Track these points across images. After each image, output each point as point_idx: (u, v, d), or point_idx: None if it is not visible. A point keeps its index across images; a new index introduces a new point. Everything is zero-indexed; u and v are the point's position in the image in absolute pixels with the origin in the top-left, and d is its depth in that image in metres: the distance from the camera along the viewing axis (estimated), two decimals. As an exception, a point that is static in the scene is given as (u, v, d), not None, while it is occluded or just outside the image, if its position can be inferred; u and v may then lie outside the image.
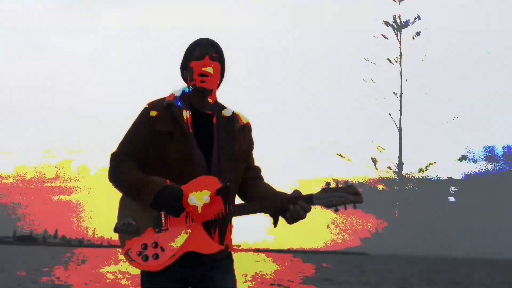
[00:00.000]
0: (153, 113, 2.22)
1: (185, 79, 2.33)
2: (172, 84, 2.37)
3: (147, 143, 2.21)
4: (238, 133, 2.30)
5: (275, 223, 2.19)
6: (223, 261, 2.27)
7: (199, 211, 2.14)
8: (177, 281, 2.19)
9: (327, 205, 2.14)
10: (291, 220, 2.14)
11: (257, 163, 2.40)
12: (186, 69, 2.31)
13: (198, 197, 2.14)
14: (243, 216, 2.20)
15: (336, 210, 2.12)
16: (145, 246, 2.17)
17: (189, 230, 2.15)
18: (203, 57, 2.25)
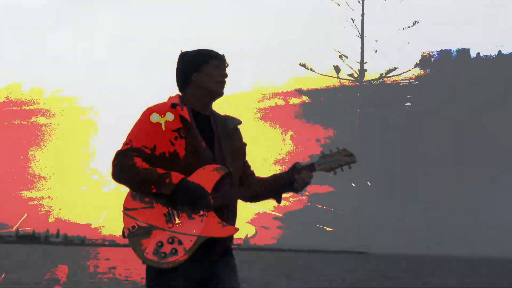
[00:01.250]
0: (158, 113, 2.34)
1: (187, 81, 2.43)
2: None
3: (153, 140, 2.30)
4: (233, 132, 2.48)
5: (280, 199, 2.46)
6: (228, 259, 2.39)
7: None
8: (185, 280, 2.26)
9: (327, 170, 2.39)
10: (300, 187, 2.37)
11: None
12: (197, 72, 2.42)
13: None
14: (249, 200, 2.43)
15: (334, 173, 2.40)
16: (161, 244, 2.22)
17: (203, 219, 2.26)
18: (223, 66, 2.45)
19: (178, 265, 2.21)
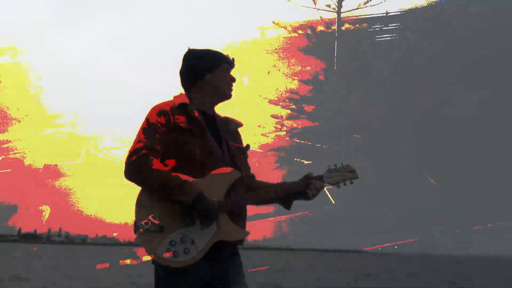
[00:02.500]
0: (168, 111, 2.34)
1: (197, 81, 2.45)
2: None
3: (165, 138, 2.30)
4: (235, 133, 2.55)
5: (290, 206, 2.53)
6: (236, 259, 2.41)
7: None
8: (194, 280, 2.25)
9: (333, 184, 2.52)
10: (312, 195, 2.45)
11: None
12: (210, 74, 2.45)
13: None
14: (259, 204, 2.46)
15: (338, 187, 2.52)
16: (173, 243, 2.21)
17: (217, 220, 2.27)
18: (231, 70, 2.51)
19: (189, 265, 2.21)
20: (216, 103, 2.51)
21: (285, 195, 2.45)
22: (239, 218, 2.36)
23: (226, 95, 2.49)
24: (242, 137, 2.60)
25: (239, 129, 2.59)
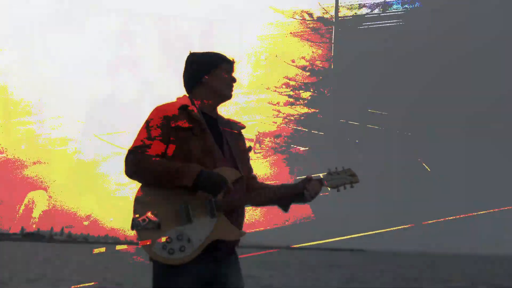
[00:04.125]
0: (169, 112, 2.36)
1: (197, 82, 2.49)
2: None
3: (165, 138, 2.33)
4: (238, 135, 2.56)
5: (287, 209, 2.51)
6: (233, 258, 2.42)
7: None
8: (192, 279, 2.27)
9: (333, 187, 2.49)
10: (311, 197, 2.44)
11: None
12: (209, 74, 2.48)
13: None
14: (258, 205, 2.47)
15: (338, 190, 2.50)
16: (170, 240, 2.22)
17: (214, 220, 2.28)
18: (232, 71, 2.53)
19: (184, 263, 2.23)
20: (217, 104, 2.53)
21: (284, 197, 2.45)
22: (237, 218, 2.37)
23: (226, 96, 2.51)
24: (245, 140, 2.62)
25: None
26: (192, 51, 2.55)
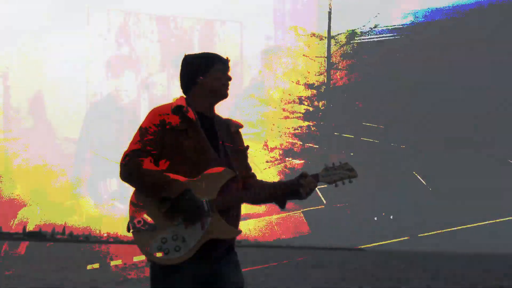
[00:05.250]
0: (164, 114, 2.42)
1: (192, 83, 2.52)
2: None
3: (160, 139, 2.37)
4: (235, 134, 2.59)
5: (284, 205, 2.52)
6: (231, 256, 2.45)
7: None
8: (190, 279, 2.30)
9: (329, 182, 2.49)
10: (306, 194, 2.44)
11: None
12: (203, 76, 2.51)
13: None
14: (254, 202, 2.51)
15: (336, 186, 2.50)
16: (165, 240, 2.26)
17: (209, 219, 2.31)
18: (227, 70, 2.56)
19: (180, 262, 2.25)
20: (214, 103, 2.55)
21: (279, 194, 2.48)
22: (232, 217, 2.39)
23: (221, 95, 2.54)
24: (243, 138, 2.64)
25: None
26: (186, 54, 2.59)
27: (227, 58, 2.58)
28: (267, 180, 2.60)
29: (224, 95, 2.54)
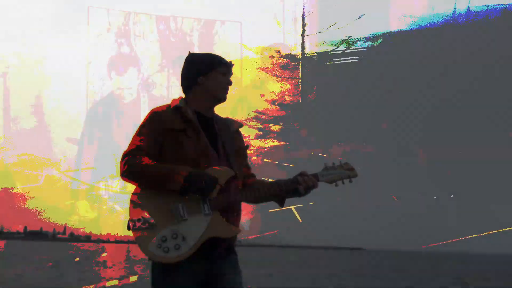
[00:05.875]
0: (163, 115, 2.42)
1: (193, 83, 2.50)
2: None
3: (159, 140, 2.37)
4: (235, 134, 2.57)
5: (283, 204, 2.51)
6: (231, 256, 2.44)
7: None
8: (190, 278, 2.31)
9: (329, 182, 2.47)
10: (305, 191, 2.43)
11: None
12: (204, 76, 2.49)
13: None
14: (254, 202, 2.50)
15: (336, 185, 2.48)
16: (164, 239, 2.26)
17: (209, 217, 2.31)
18: (229, 74, 2.53)
19: (180, 261, 2.25)
20: (213, 106, 2.54)
21: (278, 192, 2.47)
22: (232, 215, 2.39)
23: (220, 98, 2.52)
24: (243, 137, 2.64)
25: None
26: (191, 52, 2.58)
27: (231, 61, 2.55)
28: (266, 179, 2.59)
29: (222, 99, 2.53)
